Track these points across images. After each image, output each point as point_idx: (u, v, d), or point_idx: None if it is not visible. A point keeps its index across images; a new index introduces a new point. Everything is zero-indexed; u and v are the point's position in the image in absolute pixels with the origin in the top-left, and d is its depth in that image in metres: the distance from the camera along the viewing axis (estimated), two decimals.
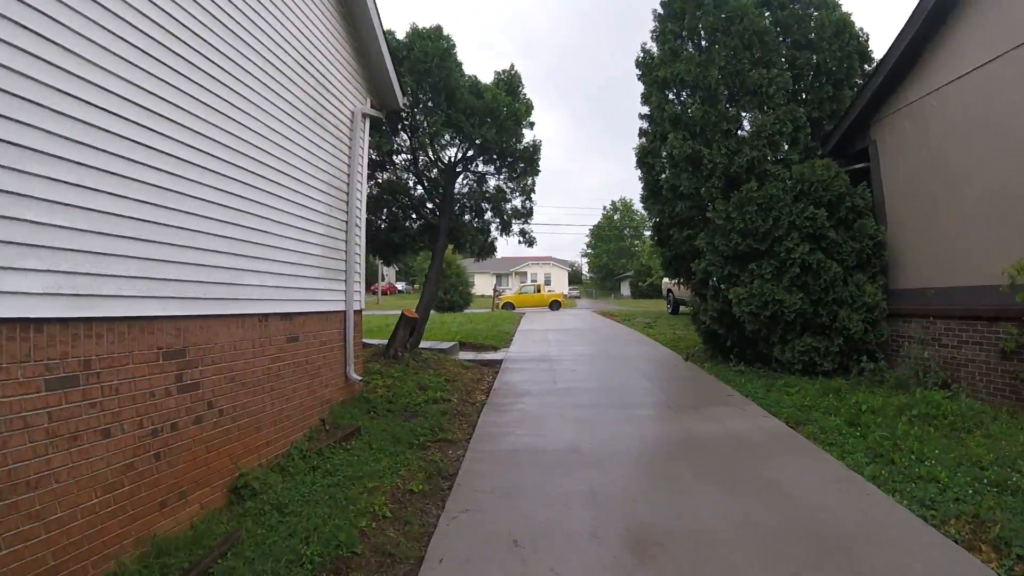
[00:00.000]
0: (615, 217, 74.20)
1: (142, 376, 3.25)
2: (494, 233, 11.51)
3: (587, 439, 5.53)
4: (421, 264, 32.44)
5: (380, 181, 9.85)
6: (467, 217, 11.38)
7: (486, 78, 10.38)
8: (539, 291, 32.65)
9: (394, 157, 9.69)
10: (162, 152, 3.44)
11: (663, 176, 9.64)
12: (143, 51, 3.28)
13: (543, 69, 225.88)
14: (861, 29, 9.36)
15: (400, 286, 65.33)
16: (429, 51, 9.12)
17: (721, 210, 8.69)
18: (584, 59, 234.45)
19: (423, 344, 10.87)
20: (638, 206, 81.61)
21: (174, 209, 3.55)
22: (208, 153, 3.91)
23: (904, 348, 7.49)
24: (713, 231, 8.91)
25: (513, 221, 11.24)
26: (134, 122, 3.20)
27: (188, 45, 3.69)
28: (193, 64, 3.74)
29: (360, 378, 6.60)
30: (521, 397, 7.44)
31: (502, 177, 11.10)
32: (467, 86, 9.62)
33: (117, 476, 3.03)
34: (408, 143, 9.85)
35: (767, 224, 8.26)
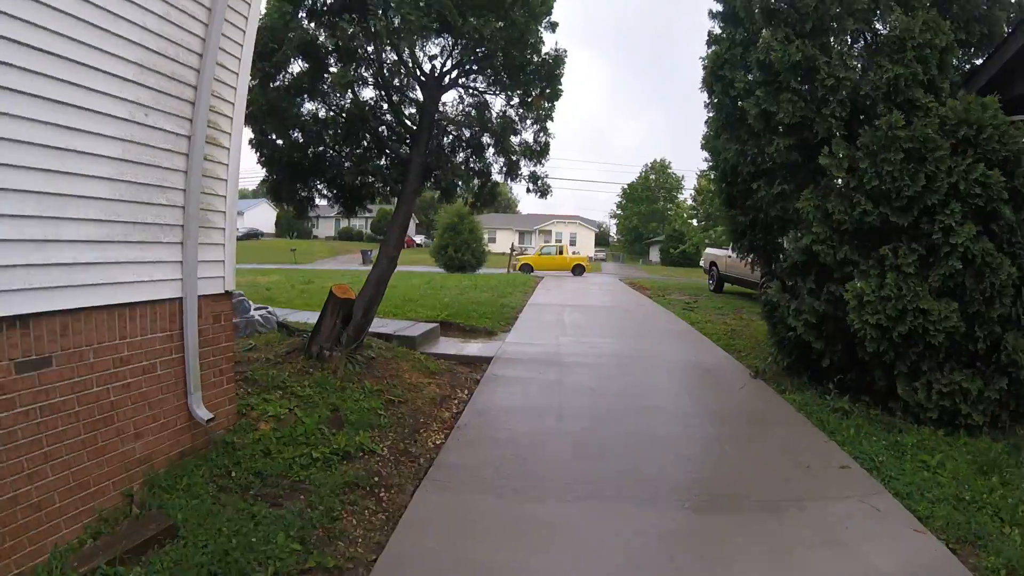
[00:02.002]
0: (651, 178, 70.42)
1: None
2: (496, 176, 8.43)
3: None
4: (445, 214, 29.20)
5: (331, 89, 6.72)
6: (461, 155, 8.30)
7: None
8: (562, 252, 29.39)
9: (356, 52, 6.54)
10: None
11: (745, 102, 6.38)
12: None
13: (573, 6, 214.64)
14: None
15: (419, 239, 62.68)
16: None
17: (842, 156, 5.48)
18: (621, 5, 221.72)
19: (385, 326, 8.02)
20: (675, 167, 77.12)
21: None
22: None
23: None
24: (825, 189, 5.71)
25: (522, 161, 8.13)
26: None
27: None
28: None
29: (211, 416, 3.76)
30: (500, 446, 4.54)
31: (512, 102, 7.94)
32: None
33: None
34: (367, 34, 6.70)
35: (916, 185, 5.07)
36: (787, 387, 6.37)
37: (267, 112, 6.50)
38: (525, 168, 8.29)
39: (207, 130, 3.65)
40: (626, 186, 70.17)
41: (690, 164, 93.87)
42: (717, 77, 6.91)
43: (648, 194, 68.53)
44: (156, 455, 3.53)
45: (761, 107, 6.12)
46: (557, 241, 53.72)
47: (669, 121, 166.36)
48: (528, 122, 8.01)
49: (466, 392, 5.98)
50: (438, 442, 4.57)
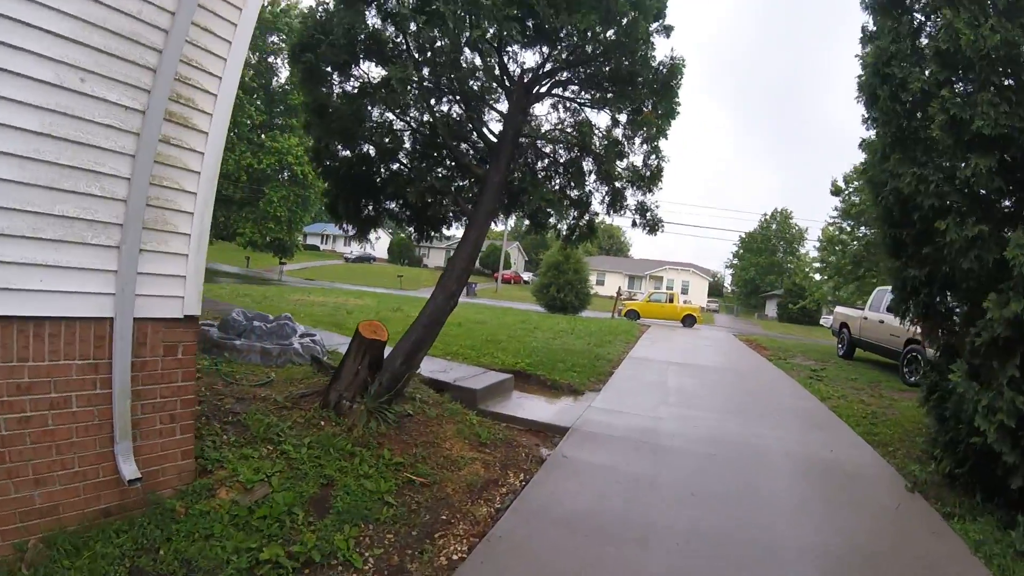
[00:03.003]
0: (773, 227, 65.91)
1: None
2: (596, 206, 7.13)
3: None
4: (551, 253, 28.13)
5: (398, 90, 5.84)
6: (557, 181, 7.12)
7: None
8: (672, 300, 26.97)
9: (425, 49, 5.63)
10: None
11: (921, 114, 4.54)
12: None
13: (698, 55, 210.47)
14: None
15: (527, 276, 62.52)
16: None
17: None
18: (744, 52, 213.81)
19: (447, 371, 6.89)
20: (797, 217, 71.12)
21: None
22: None
23: None
24: None
25: (628, 189, 6.78)
26: None
27: None
28: None
29: (137, 477, 2.75)
30: None
31: (618, 117, 6.67)
32: None
33: None
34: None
35: None
36: (955, 508, 4.34)
37: (317, 113, 5.78)
38: (632, 197, 6.91)
39: (172, 106, 2.75)
40: (744, 235, 65.98)
41: (812, 218, 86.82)
42: (883, 77, 5.07)
43: (768, 245, 64.14)
44: (66, 508, 2.64)
45: (950, 113, 4.30)
46: (668, 288, 50.80)
47: (788, 175, 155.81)
48: (637, 142, 6.66)
49: (520, 478, 4.53)
50: (455, 558, 3.20)
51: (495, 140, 6.20)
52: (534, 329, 14.97)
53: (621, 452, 5.29)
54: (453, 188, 6.38)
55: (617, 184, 6.86)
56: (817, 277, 46.31)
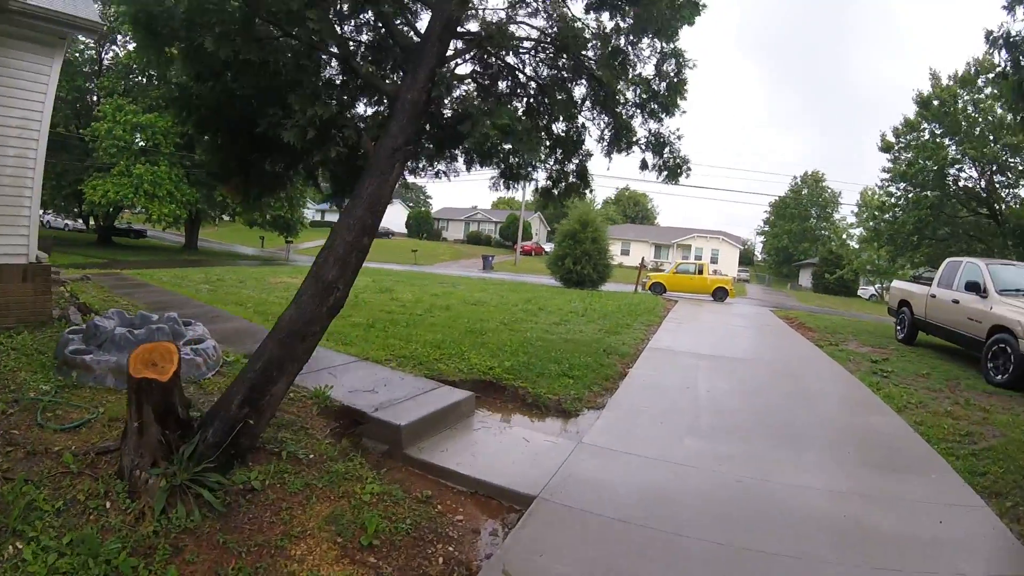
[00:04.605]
0: (804, 191, 62.48)
1: None
2: (590, 144, 4.82)
3: None
4: (568, 222, 25.49)
5: None
6: (525, 103, 4.82)
7: None
8: (701, 272, 24.23)
9: None
10: None
11: None
12: None
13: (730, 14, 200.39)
14: None
15: (548, 247, 60.14)
16: None
17: None
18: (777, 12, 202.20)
19: (377, 390, 4.78)
20: (830, 180, 66.94)
21: None
22: None
23: None
24: None
25: (637, 116, 4.46)
26: None
27: None
28: None
29: None
30: None
31: (624, 24, 4.32)
32: None
33: None
34: None
35: None
36: None
37: (144, 26, 3.57)
38: (642, 128, 4.59)
39: None
40: (775, 200, 62.39)
41: (846, 180, 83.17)
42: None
43: (800, 211, 60.61)
44: None
45: None
46: (696, 258, 47.84)
47: (820, 137, 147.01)
48: (645, 43, 4.31)
49: None
50: None
51: (417, 41, 3.93)
52: (538, 311, 12.74)
53: (613, 555, 3.10)
54: (351, 116, 4.14)
55: (623, 109, 4.53)
56: (853, 245, 42.98)
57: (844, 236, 50.01)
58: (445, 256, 45.14)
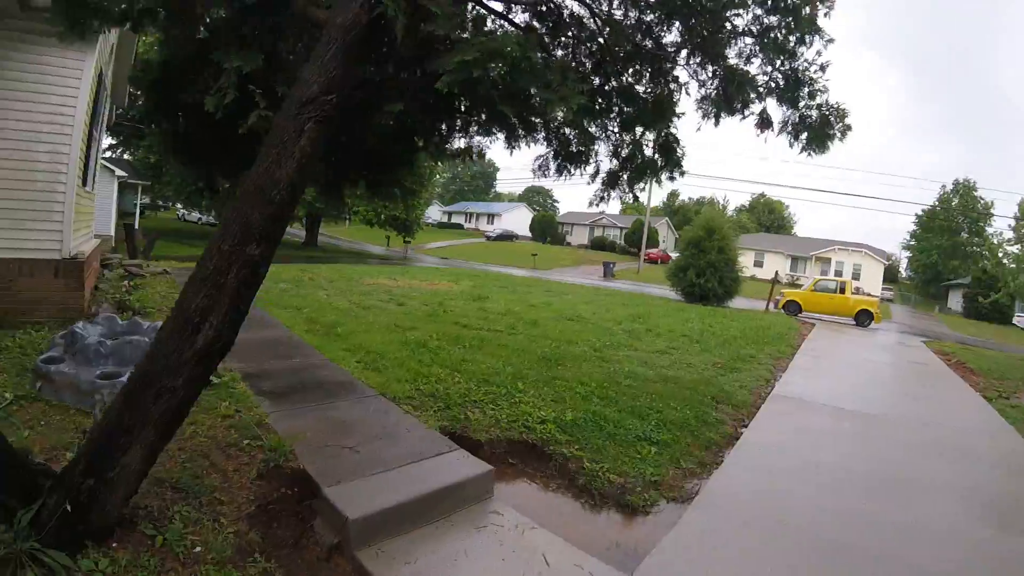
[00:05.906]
0: (954, 202, 53.40)
1: None
2: (686, 105, 3.24)
3: None
4: (691, 228, 23.12)
5: None
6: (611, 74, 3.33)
7: None
8: (843, 291, 20.40)
9: None
10: None
11: None
12: None
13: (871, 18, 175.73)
14: None
15: (676, 255, 56.65)
16: None
17: None
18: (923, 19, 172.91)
19: (337, 428, 3.62)
20: (982, 189, 55.90)
21: None
22: None
23: None
24: None
25: (755, 58, 2.85)
26: None
27: None
28: None
29: None
30: None
31: None
32: None
33: None
34: None
35: None
36: None
37: None
38: (760, 69, 2.99)
39: None
40: (921, 212, 53.93)
41: (1000, 188, 70.23)
42: None
43: (950, 223, 51.61)
44: None
45: None
46: (837, 273, 41.88)
47: (970, 144, 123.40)
48: None
49: None
50: None
51: None
52: (644, 333, 10.99)
53: None
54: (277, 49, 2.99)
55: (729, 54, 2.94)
56: (1010, 264, 35.05)
57: (1000, 253, 42.02)
58: (565, 261, 43.90)
